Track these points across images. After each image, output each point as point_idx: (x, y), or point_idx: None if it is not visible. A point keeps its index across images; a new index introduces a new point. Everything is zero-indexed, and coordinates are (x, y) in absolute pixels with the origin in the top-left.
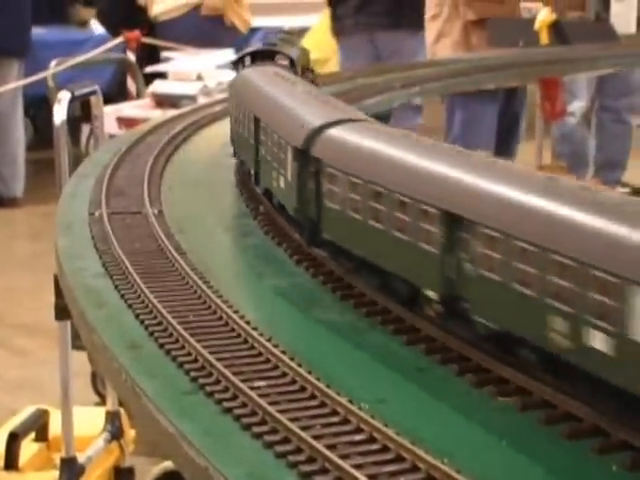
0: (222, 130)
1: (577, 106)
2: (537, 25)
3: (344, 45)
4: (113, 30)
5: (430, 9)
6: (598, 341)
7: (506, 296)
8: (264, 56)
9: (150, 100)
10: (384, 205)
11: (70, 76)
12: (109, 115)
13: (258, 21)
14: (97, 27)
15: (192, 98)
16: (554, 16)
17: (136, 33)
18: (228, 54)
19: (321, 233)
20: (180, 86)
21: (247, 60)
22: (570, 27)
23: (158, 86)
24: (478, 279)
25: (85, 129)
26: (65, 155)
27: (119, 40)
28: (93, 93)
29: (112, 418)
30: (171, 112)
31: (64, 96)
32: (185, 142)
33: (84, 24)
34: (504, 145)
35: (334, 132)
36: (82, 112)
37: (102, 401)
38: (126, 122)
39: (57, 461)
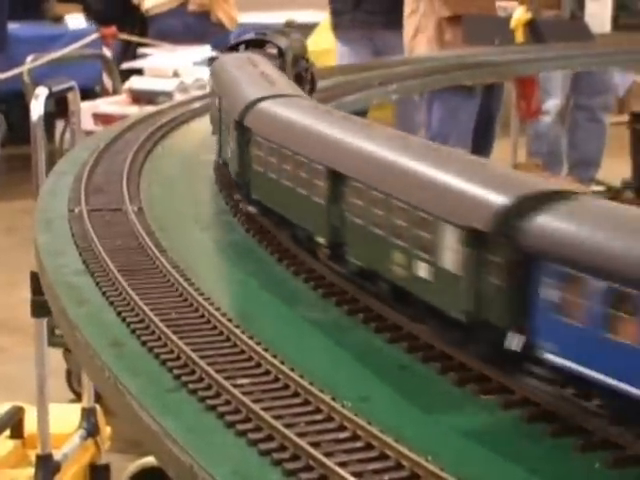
0: (201, 127)
1: (552, 104)
2: (513, 23)
3: (341, 40)
4: (107, 26)
5: (408, 5)
6: (422, 270)
7: (367, 238)
8: (256, 45)
9: (126, 96)
10: (290, 165)
11: (45, 71)
12: (85, 111)
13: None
14: (72, 22)
15: (169, 94)
16: (529, 15)
17: (112, 29)
18: (205, 51)
19: (251, 193)
20: (157, 82)
21: (241, 48)
22: (545, 26)
23: (135, 82)
24: (351, 226)
25: (59, 125)
26: (42, 151)
27: (95, 36)
28: (70, 89)
29: (88, 415)
30: (149, 109)
31: (41, 92)
32: (164, 139)
33: (59, 20)
34: (481, 141)
35: (263, 105)
36: (56, 108)
37: (77, 398)
38: (102, 118)
39: (33, 458)
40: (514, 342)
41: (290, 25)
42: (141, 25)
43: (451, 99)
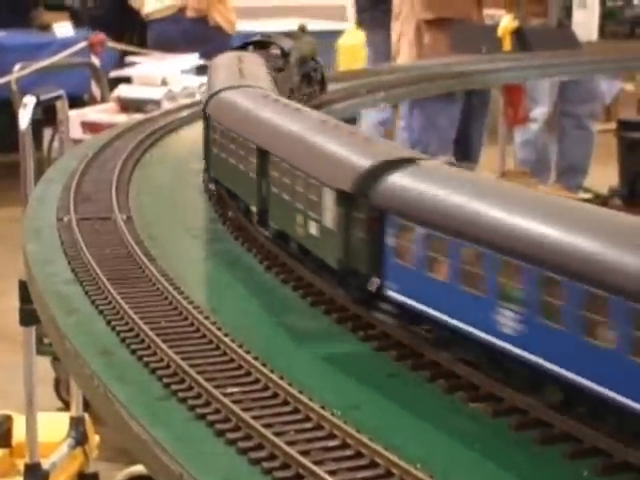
0: (189, 135)
1: (539, 112)
2: (500, 31)
3: (367, 37)
4: (109, 33)
5: (394, 9)
6: (313, 229)
7: (281, 204)
8: (262, 46)
9: (115, 104)
10: (234, 145)
11: (33, 79)
12: (73, 119)
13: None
14: (60, 31)
15: (157, 103)
16: (517, 23)
17: (101, 37)
18: (193, 59)
19: (210, 172)
20: (145, 91)
21: (250, 49)
22: (532, 34)
23: (123, 90)
24: (272, 195)
25: (47, 133)
26: (31, 160)
27: (83, 44)
28: (59, 98)
29: (76, 424)
30: (137, 117)
31: (29, 101)
32: (152, 147)
33: (46, 28)
34: (466, 147)
35: (222, 95)
36: (44, 115)
37: (65, 407)
38: (90, 126)
39: (21, 467)
40: (372, 285)
41: (302, 30)
42: (141, 30)
43: (430, 105)
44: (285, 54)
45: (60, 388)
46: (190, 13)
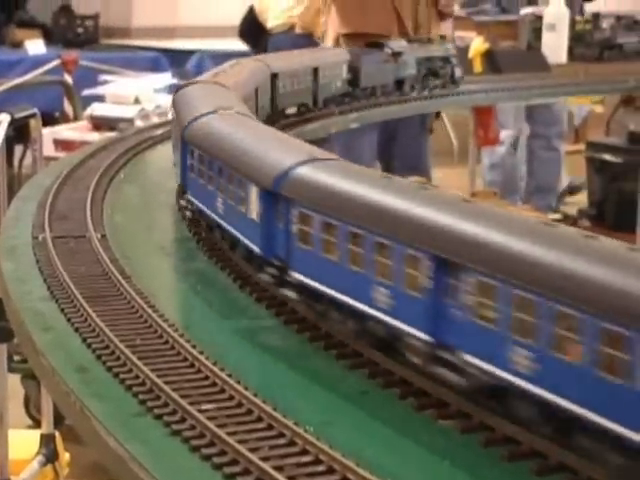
0: (163, 154)
1: (505, 135)
2: (471, 53)
3: None
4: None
5: (322, 27)
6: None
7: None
8: (376, 46)
9: (87, 122)
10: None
11: (4, 96)
12: (46, 137)
13: (193, 44)
14: (32, 48)
15: (130, 121)
16: (487, 45)
17: (73, 55)
18: (165, 78)
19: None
20: (118, 109)
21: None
22: (502, 56)
23: (96, 109)
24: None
25: (17, 150)
26: (4, 177)
27: (55, 62)
28: (32, 116)
29: (47, 441)
30: (111, 135)
31: (4, 118)
32: (126, 165)
33: (18, 45)
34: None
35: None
36: (15, 133)
37: (35, 424)
38: (63, 144)
39: None
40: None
41: (431, 39)
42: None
43: (343, 139)
44: (395, 53)
45: (30, 406)
46: (298, 29)
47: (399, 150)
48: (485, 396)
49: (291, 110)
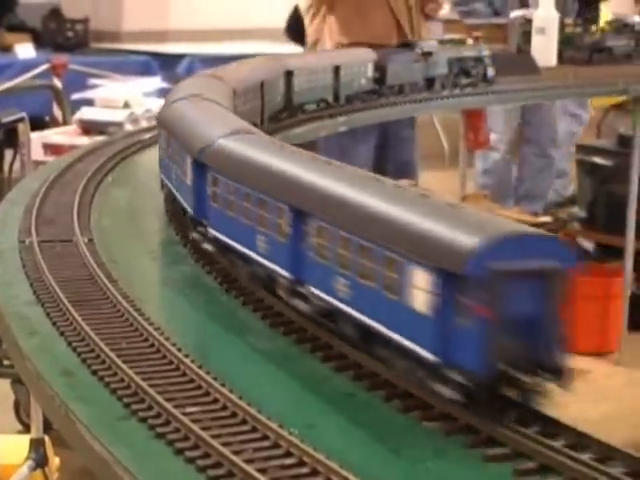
0: (151, 158)
1: (498, 140)
2: None
3: None
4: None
5: (309, 36)
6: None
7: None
8: (407, 46)
9: (77, 127)
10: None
11: None
12: (35, 141)
13: (184, 48)
14: (22, 52)
15: (119, 125)
16: None
17: (62, 59)
18: (155, 82)
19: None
20: (107, 113)
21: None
22: (493, 59)
23: (85, 113)
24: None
25: (7, 154)
26: None
27: (45, 66)
28: (20, 120)
29: (36, 446)
30: (99, 139)
31: None
32: (114, 170)
33: (8, 49)
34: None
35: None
36: (5, 137)
37: (25, 429)
38: (52, 149)
39: None
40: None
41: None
42: None
43: (344, 140)
44: (425, 53)
45: (20, 411)
46: None
47: (392, 154)
48: (324, 319)
49: (311, 106)
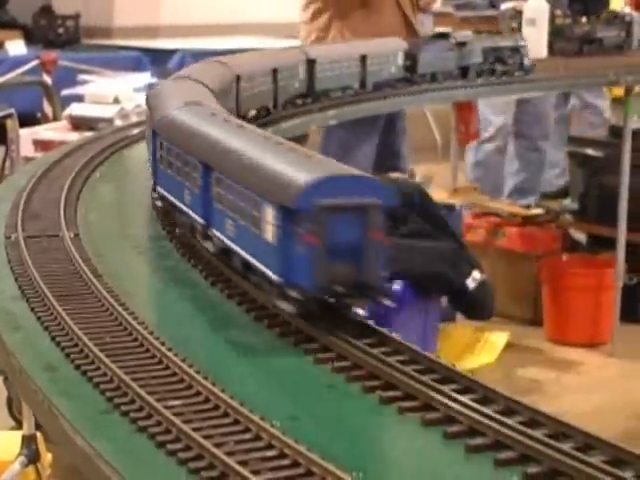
0: (139, 153)
1: (492, 131)
2: None
3: None
4: None
5: (310, 32)
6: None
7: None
8: (443, 37)
9: (67, 123)
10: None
11: None
12: (25, 138)
13: (176, 43)
14: (13, 49)
15: (109, 121)
16: None
17: (52, 55)
18: (145, 78)
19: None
20: (97, 109)
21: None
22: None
23: (75, 109)
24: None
25: (1, 151)
26: None
27: (35, 62)
28: (9, 116)
29: (28, 442)
30: (88, 134)
31: None
32: (102, 165)
33: None
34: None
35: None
36: None
37: (18, 426)
38: (42, 145)
39: None
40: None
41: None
42: None
43: (347, 138)
44: (459, 43)
45: (13, 407)
46: None
47: (388, 148)
48: (223, 256)
49: (336, 93)
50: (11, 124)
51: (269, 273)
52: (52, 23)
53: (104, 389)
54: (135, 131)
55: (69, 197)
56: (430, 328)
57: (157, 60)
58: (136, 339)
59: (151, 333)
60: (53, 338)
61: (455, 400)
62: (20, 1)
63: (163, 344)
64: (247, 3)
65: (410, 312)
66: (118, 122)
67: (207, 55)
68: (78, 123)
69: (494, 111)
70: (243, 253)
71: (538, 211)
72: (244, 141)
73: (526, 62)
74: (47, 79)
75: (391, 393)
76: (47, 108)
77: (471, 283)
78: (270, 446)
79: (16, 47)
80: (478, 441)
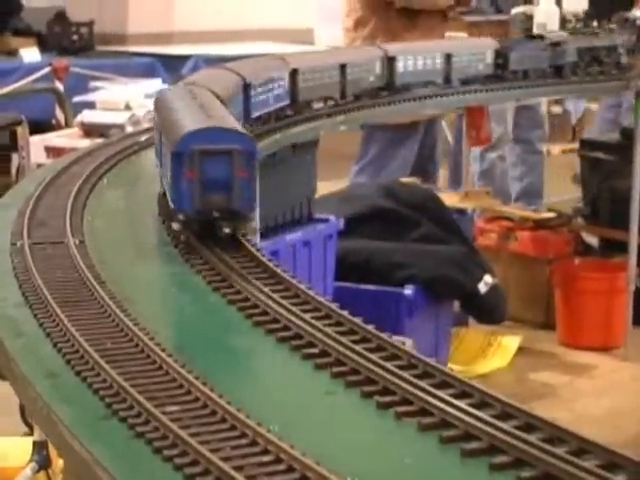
0: (146, 160)
1: (496, 138)
2: None
3: None
4: None
5: (354, 41)
6: None
7: None
8: (538, 37)
9: (78, 129)
10: None
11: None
12: (37, 144)
13: (189, 49)
14: (27, 56)
15: (120, 127)
16: None
17: (64, 62)
18: (156, 84)
19: None
20: (108, 115)
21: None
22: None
23: (86, 115)
24: None
25: (15, 158)
26: None
27: (47, 69)
28: (19, 123)
29: (39, 448)
30: (97, 141)
31: None
32: (109, 171)
33: (13, 53)
34: (422, 174)
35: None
36: (12, 141)
37: (31, 432)
38: (54, 152)
39: None
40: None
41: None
42: None
43: (393, 133)
44: (554, 43)
45: (26, 413)
46: None
47: (426, 152)
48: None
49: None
50: (21, 131)
51: (170, 203)
52: (66, 30)
53: (103, 395)
54: (143, 137)
55: (76, 204)
56: (442, 332)
57: (170, 66)
58: (137, 345)
59: (152, 339)
60: (55, 344)
61: (451, 405)
62: (35, 8)
63: (163, 350)
64: (261, 10)
65: (422, 316)
66: (129, 128)
67: (220, 61)
68: (89, 130)
69: (496, 119)
70: (168, 194)
71: (550, 215)
72: (179, 108)
73: (623, 61)
74: (59, 86)
75: (388, 398)
76: (59, 115)
77: (483, 287)
78: (266, 451)
79: (30, 54)
80: (473, 445)
